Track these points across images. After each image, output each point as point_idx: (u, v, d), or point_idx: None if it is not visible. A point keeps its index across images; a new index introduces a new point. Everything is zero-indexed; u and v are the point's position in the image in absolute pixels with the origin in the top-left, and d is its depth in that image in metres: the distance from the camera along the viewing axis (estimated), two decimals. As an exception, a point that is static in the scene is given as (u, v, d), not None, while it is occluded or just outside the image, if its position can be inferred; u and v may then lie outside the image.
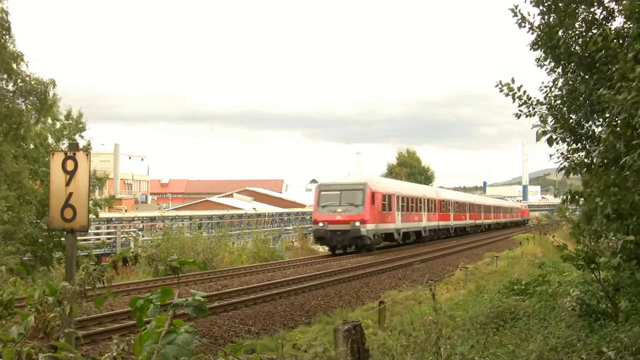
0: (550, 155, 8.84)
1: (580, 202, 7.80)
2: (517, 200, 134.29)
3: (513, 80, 9.35)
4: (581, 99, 8.95)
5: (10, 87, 31.76)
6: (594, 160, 8.11)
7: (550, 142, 8.52)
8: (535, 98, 9.63)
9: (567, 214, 9.60)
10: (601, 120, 9.41)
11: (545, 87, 9.88)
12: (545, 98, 9.77)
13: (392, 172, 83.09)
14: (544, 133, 8.24)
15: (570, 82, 9.45)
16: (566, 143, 9.05)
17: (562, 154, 8.97)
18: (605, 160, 7.29)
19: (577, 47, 9.35)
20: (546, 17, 9.61)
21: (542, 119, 8.95)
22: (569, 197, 7.31)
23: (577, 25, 9.46)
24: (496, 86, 9.45)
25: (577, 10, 9.37)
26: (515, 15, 9.92)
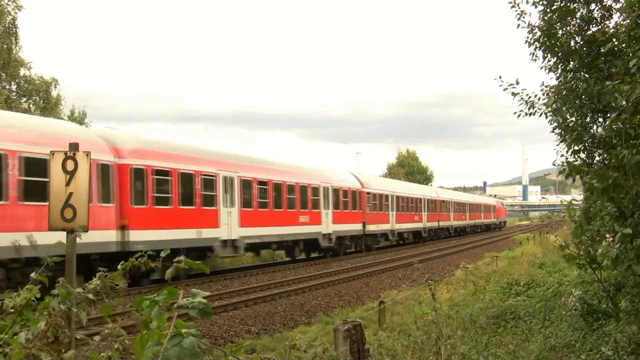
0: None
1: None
2: (492, 198, 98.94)
3: (517, 82, 9.54)
4: (583, 97, 8.96)
5: (14, 87, 32.02)
6: (595, 161, 8.13)
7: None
8: (533, 93, 9.74)
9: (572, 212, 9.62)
10: (601, 120, 9.42)
11: (546, 87, 9.90)
12: (544, 95, 9.82)
13: (391, 172, 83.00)
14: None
15: (570, 81, 9.47)
16: (566, 144, 9.06)
17: (562, 155, 8.98)
18: (606, 162, 7.29)
19: (576, 46, 9.38)
20: (546, 17, 9.64)
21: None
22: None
23: (575, 23, 9.50)
24: (495, 79, 9.68)
25: (574, 9, 9.41)
26: (514, 7, 9.97)
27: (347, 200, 33.73)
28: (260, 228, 25.17)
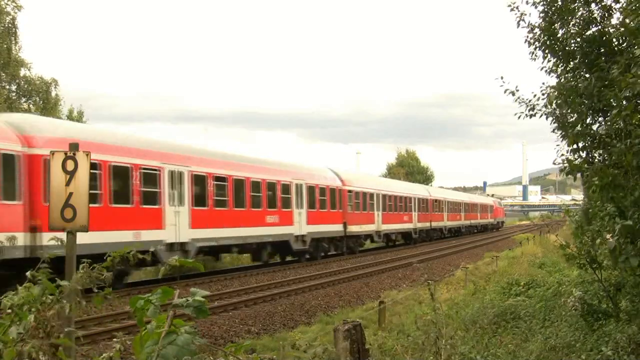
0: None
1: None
2: (489, 197, 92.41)
3: (517, 89, 9.64)
4: (583, 96, 8.97)
5: (14, 87, 32.11)
6: (595, 160, 8.13)
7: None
8: (533, 93, 9.79)
9: (571, 214, 9.63)
10: (601, 119, 9.43)
11: (547, 88, 9.92)
12: (544, 95, 9.84)
13: (391, 172, 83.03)
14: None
15: (570, 81, 9.49)
16: (567, 140, 9.07)
17: (562, 155, 8.98)
18: (606, 161, 7.29)
19: (577, 45, 9.41)
20: (546, 14, 9.67)
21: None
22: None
23: (575, 23, 9.52)
24: (496, 79, 9.76)
25: (575, 8, 9.43)
26: (513, 10, 10.01)
27: (325, 198, 31.10)
28: (217, 230, 22.28)
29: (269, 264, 27.51)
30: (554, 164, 8.88)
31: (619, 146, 6.24)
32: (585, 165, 7.95)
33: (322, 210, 30.86)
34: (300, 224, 28.40)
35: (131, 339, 2.30)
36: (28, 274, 2.56)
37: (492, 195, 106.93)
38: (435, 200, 51.04)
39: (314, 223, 29.61)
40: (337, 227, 32.29)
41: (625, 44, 8.61)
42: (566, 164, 7.65)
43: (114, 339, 2.50)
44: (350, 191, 34.31)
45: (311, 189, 29.88)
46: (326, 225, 31.03)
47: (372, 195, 37.41)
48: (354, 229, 34.00)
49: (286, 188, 27.61)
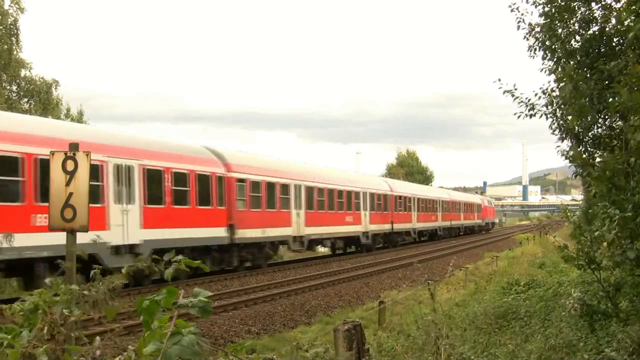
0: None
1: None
2: (477, 195, 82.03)
3: (515, 87, 9.66)
4: (584, 97, 9.00)
5: (14, 88, 32.15)
6: (596, 162, 8.14)
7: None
8: (533, 92, 9.82)
9: (569, 215, 9.66)
10: (601, 120, 9.45)
11: (546, 90, 9.95)
12: (544, 93, 9.87)
13: (390, 172, 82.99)
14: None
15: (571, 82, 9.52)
16: (568, 146, 9.11)
17: (562, 155, 9.01)
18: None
19: (577, 45, 9.44)
20: (547, 12, 9.71)
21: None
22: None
23: (574, 22, 9.55)
24: (494, 82, 9.77)
25: (575, 7, 9.46)
26: (513, 11, 10.06)
27: (187, 189, 21.09)
28: None
29: (271, 264, 26.93)
30: (559, 151, 8.90)
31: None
32: (588, 169, 7.97)
33: (180, 207, 20.77)
34: (126, 229, 18.36)
35: (134, 340, 2.31)
36: (47, 281, 2.57)
37: (482, 194, 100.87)
38: (399, 197, 41.79)
39: (158, 226, 19.57)
40: (212, 232, 22.26)
41: (625, 43, 8.63)
42: (571, 152, 7.68)
43: (129, 346, 2.50)
44: (241, 180, 24.18)
45: (154, 175, 19.76)
46: (187, 229, 20.87)
47: (286, 187, 27.54)
48: (248, 234, 24.13)
49: (93, 171, 13.19)
